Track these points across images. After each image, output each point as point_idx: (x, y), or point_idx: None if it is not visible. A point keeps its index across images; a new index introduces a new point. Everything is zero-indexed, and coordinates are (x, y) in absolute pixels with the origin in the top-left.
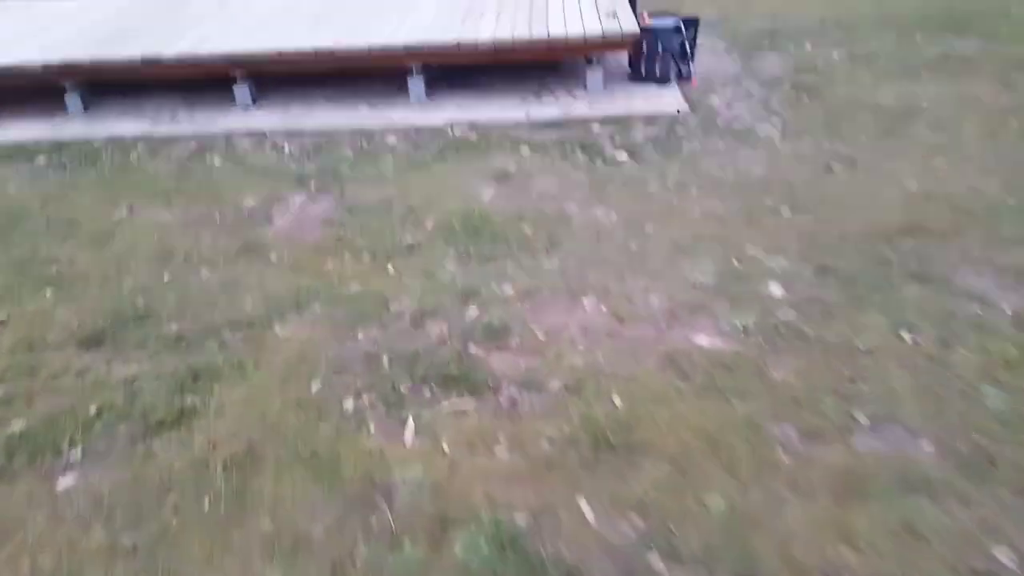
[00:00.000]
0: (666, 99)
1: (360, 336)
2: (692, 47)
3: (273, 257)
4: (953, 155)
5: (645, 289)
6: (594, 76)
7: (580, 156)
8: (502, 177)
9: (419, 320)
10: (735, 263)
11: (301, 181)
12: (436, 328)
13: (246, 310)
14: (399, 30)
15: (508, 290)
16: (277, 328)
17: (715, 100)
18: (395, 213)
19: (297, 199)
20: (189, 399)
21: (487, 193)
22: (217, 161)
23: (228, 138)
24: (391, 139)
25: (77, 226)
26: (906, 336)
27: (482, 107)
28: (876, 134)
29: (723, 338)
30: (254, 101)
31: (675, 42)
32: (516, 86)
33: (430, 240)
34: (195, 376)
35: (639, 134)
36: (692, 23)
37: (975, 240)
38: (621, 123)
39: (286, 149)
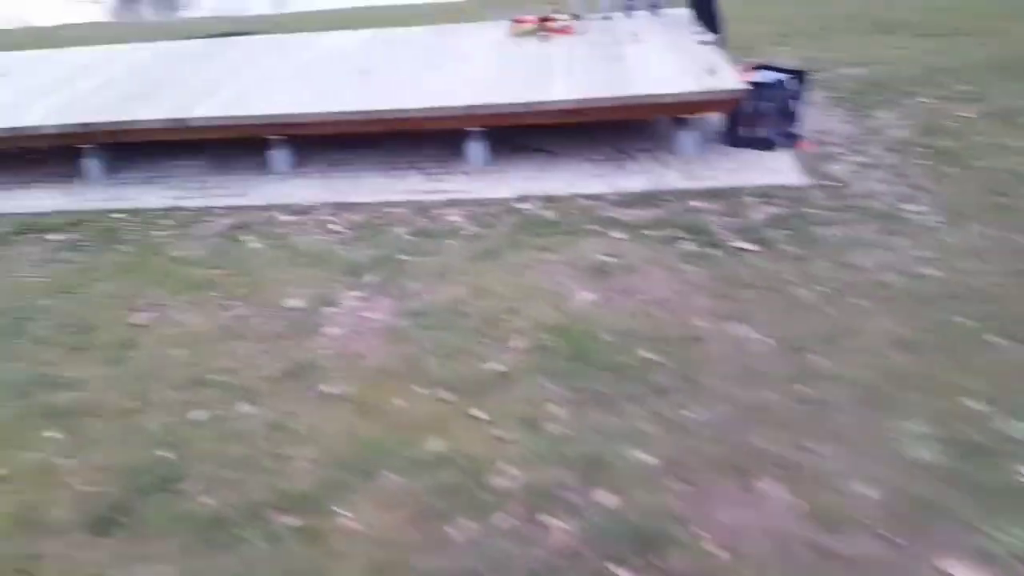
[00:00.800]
0: (779, 168)
1: (454, 534)
2: (799, 104)
3: (327, 386)
4: None
5: (843, 466)
6: (686, 139)
7: (689, 244)
8: (598, 273)
9: (531, 509)
10: (960, 425)
11: (354, 272)
12: (557, 526)
13: (299, 477)
14: (457, 88)
15: (647, 459)
16: (340, 511)
17: (838, 169)
18: (471, 322)
19: (351, 298)
20: None
21: (583, 296)
22: (255, 243)
23: (267, 212)
24: (453, 216)
25: (91, 332)
26: None
27: (554, 176)
28: None
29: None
30: (294, 168)
31: (781, 99)
32: (588, 151)
33: (523, 367)
34: None
35: (756, 214)
36: (799, 76)
37: None
38: (729, 199)
39: (334, 228)
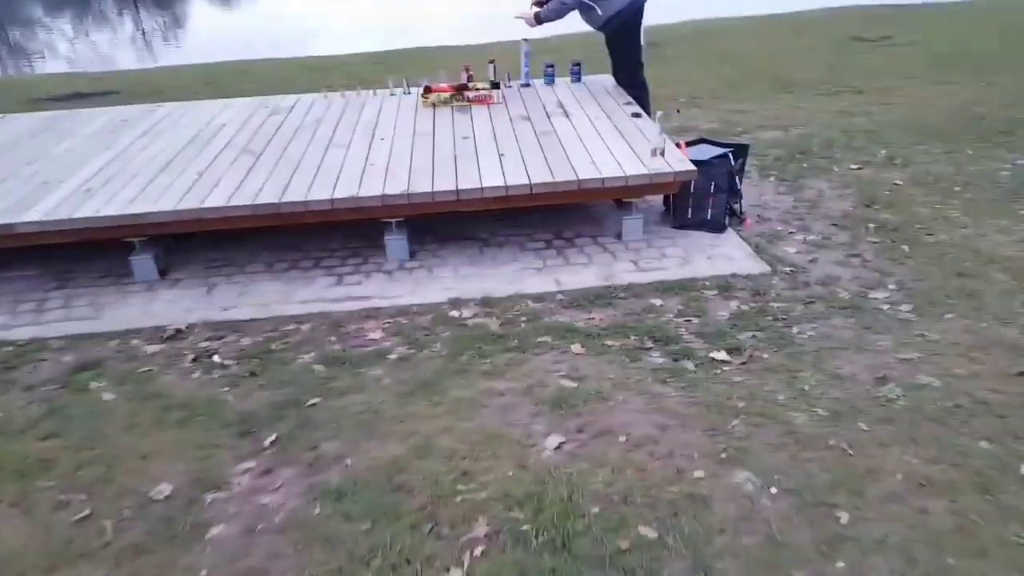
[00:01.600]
0: (730, 252)
1: None
2: (740, 180)
3: None
4: None
5: None
6: (631, 224)
7: (658, 355)
8: (564, 405)
9: None
10: None
11: (247, 430)
12: None
13: None
14: (368, 171)
15: None
16: None
17: (791, 252)
18: (415, 500)
19: (244, 472)
20: None
21: (552, 442)
22: (108, 392)
23: (126, 341)
24: (374, 332)
25: None
26: None
27: (490, 271)
28: None
29: None
30: (162, 274)
31: (724, 176)
32: (524, 237)
33: (493, 570)
34: None
35: (720, 311)
36: (741, 150)
37: None
38: (688, 293)
39: (218, 359)
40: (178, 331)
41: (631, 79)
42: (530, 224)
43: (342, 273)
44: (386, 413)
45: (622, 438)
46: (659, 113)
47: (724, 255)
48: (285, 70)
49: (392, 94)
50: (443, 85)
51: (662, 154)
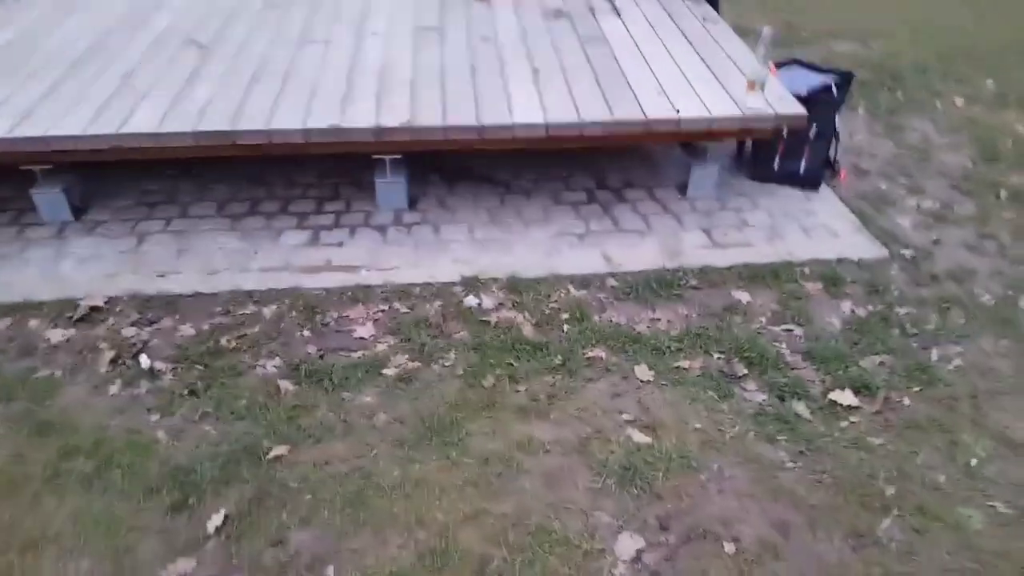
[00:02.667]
0: (831, 223)
1: None
2: (839, 120)
3: None
4: None
5: None
6: (702, 176)
7: (756, 388)
8: (635, 477)
9: None
10: None
11: (183, 500)
12: None
13: None
14: (357, 84)
15: None
16: None
17: (904, 224)
18: None
19: None
20: None
21: (623, 545)
22: None
23: (20, 322)
24: (362, 326)
25: None
26: None
27: (515, 238)
28: None
29: None
30: (77, 214)
31: (827, 114)
32: (558, 183)
33: None
34: None
35: (829, 315)
36: (844, 80)
37: None
38: (780, 285)
39: (144, 363)
40: (94, 309)
41: None
42: (564, 163)
43: (318, 226)
44: (382, 478)
45: (728, 546)
46: (766, 29)
47: (824, 227)
48: None
49: None
50: None
51: (762, 88)
